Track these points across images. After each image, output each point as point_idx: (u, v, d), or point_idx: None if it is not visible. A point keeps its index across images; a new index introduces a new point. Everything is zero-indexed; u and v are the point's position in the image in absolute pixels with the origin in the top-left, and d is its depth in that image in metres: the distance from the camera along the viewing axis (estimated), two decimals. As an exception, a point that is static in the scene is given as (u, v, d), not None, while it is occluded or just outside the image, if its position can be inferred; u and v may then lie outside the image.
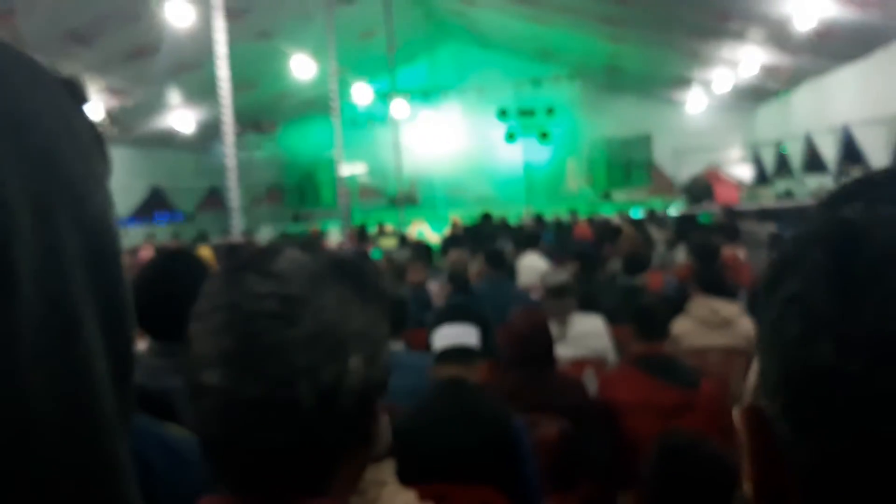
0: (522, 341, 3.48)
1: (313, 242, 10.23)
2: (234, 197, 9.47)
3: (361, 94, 20.63)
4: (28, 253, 0.36)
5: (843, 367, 0.41)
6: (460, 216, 16.45)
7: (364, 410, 0.83)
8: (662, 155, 19.72)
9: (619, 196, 20.15)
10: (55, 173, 0.39)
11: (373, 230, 14.59)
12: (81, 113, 0.44)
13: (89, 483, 0.39)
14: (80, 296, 0.38)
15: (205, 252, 9.24)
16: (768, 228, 8.66)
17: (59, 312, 0.37)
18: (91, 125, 0.44)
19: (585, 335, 4.39)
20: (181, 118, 16.52)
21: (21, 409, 0.35)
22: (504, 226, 12.62)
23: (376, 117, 20.76)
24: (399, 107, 15.71)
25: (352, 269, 0.87)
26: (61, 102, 0.43)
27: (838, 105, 13.95)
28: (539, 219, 13.89)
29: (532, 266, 7.33)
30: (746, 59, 14.45)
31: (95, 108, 13.80)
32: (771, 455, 0.48)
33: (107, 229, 0.42)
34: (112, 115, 13.85)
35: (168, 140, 17.16)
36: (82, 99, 0.45)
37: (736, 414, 0.51)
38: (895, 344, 0.40)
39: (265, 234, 14.75)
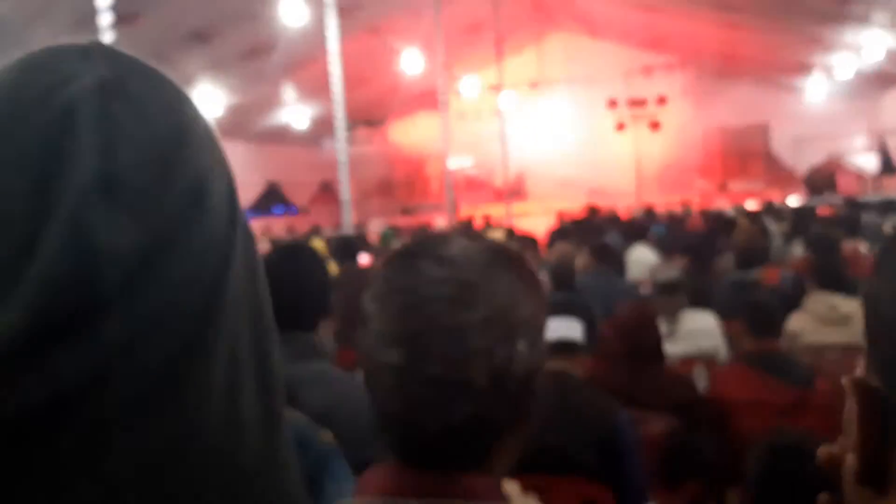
0: (629, 336, 3.45)
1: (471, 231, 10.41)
2: (346, 191, 9.74)
3: (469, 87, 20.80)
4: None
5: None
6: (568, 208, 16.36)
7: (527, 391, 0.88)
8: (781, 144, 19.03)
9: (735, 187, 19.55)
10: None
11: (480, 223, 14.71)
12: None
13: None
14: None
15: (318, 244, 9.59)
16: (893, 221, 8.27)
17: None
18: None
19: (696, 333, 4.33)
20: (295, 114, 17.10)
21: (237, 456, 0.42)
22: (613, 218, 12.47)
23: (483, 110, 20.90)
24: (507, 99, 15.73)
25: (515, 258, 0.92)
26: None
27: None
28: (650, 211, 13.65)
29: (640, 260, 7.25)
30: (870, 44, 13.89)
31: (215, 105, 14.48)
32: (875, 429, 0.48)
33: (250, 235, 0.48)
34: (230, 112, 14.47)
35: (283, 135, 17.79)
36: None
37: (846, 382, 0.51)
38: None
39: (375, 227, 15.10)
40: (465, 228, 11.40)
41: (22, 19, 9.47)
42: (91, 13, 6.78)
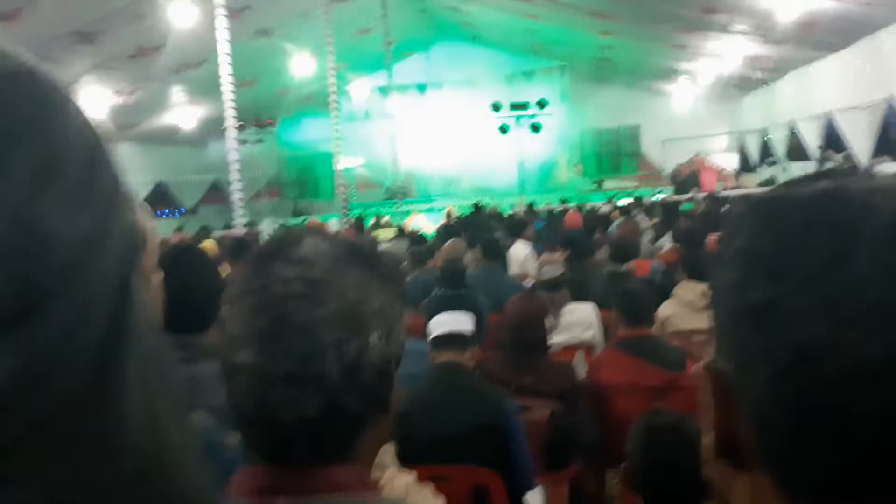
0: (518, 328, 3.58)
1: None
2: (236, 191, 9.71)
3: (359, 89, 20.93)
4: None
5: (777, 292, 0.45)
6: (455, 207, 16.78)
7: (383, 381, 0.89)
8: (650, 144, 19.98)
9: (610, 185, 20.46)
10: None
11: (370, 222, 14.96)
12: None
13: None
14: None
15: (208, 245, 9.58)
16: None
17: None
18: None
19: (576, 324, 4.52)
20: (184, 114, 16.81)
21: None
22: (496, 215, 12.91)
23: (373, 112, 21.12)
24: (395, 101, 16.03)
25: (367, 253, 0.94)
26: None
27: (821, 94, 14.22)
28: (531, 208, 14.17)
29: (516, 254, 7.52)
30: (731, 51, 14.63)
31: (100, 106, 14.11)
32: (727, 408, 0.50)
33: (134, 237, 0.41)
34: (116, 112, 14.13)
35: (171, 136, 17.43)
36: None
37: (696, 371, 0.53)
38: (818, 279, 0.44)
39: (266, 227, 15.06)
40: (311, 230, 11.56)
41: None
42: None
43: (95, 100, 13.75)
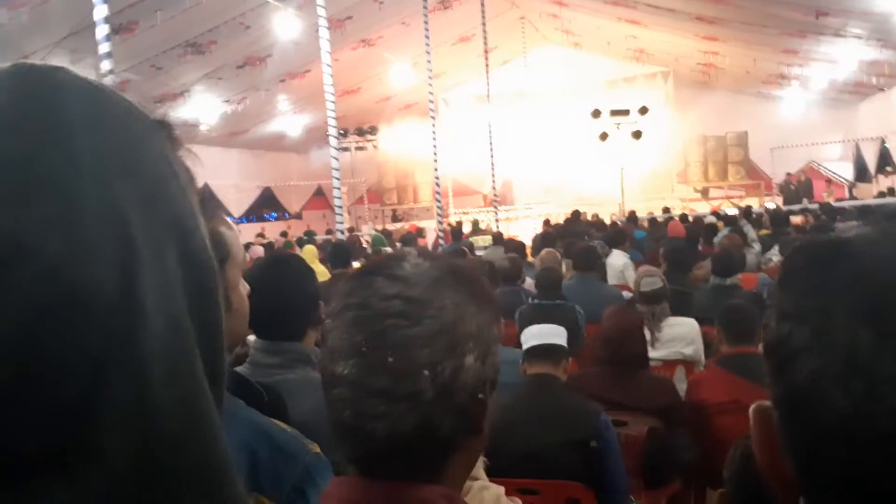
0: (615, 342, 3.54)
1: (411, 243, 10.70)
2: (338, 196, 9.94)
3: (457, 97, 21.09)
4: (152, 285, 0.38)
5: (780, 333, 0.51)
6: (554, 215, 16.67)
7: (476, 404, 0.90)
8: (759, 152, 19.37)
9: (716, 194, 19.91)
10: (166, 212, 0.42)
11: (468, 228, 15.02)
12: (177, 152, 0.46)
13: (212, 484, 0.41)
14: (189, 322, 0.40)
15: (310, 249, 9.84)
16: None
17: (178, 337, 0.39)
18: (185, 164, 0.46)
19: (677, 339, 4.42)
20: (289, 122, 17.33)
21: (154, 428, 0.37)
22: (596, 223, 12.75)
23: (471, 119, 21.25)
24: (493, 108, 16.06)
25: (467, 276, 0.95)
26: (162, 144, 0.45)
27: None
28: (632, 216, 13.94)
29: (614, 264, 7.41)
30: (845, 55, 14.16)
31: (211, 114, 14.73)
32: (773, 446, 0.53)
33: (206, 262, 0.44)
34: (226, 120, 14.72)
35: (277, 143, 18.01)
36: (176, 139, 0.46)
37: (750, 412, 0.56)
38: (804, 311, 0.49)
39: (367, 232, 15.36)
40: (407, 236, 11.62)
41: (19, 30, 9.63)
42: (88, 23, 6.81)
43: (206, 108, 14.36)
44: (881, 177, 17.70)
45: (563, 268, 6.61)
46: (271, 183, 18.82)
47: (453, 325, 0.88)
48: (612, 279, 6.93)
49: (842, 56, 14.29)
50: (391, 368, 0.85)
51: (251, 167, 17.73)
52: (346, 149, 17.68)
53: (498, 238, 11.02)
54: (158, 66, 12.17)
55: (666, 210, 15.95)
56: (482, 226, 15.53)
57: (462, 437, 0.90)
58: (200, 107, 14.34)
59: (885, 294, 0.47)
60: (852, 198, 16.78)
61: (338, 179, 9.72)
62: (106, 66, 6.35)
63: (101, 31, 6.30)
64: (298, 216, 19.64)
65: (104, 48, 6.31)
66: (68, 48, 10.31)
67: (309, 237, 13.24)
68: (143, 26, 10.62)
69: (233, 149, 17.08)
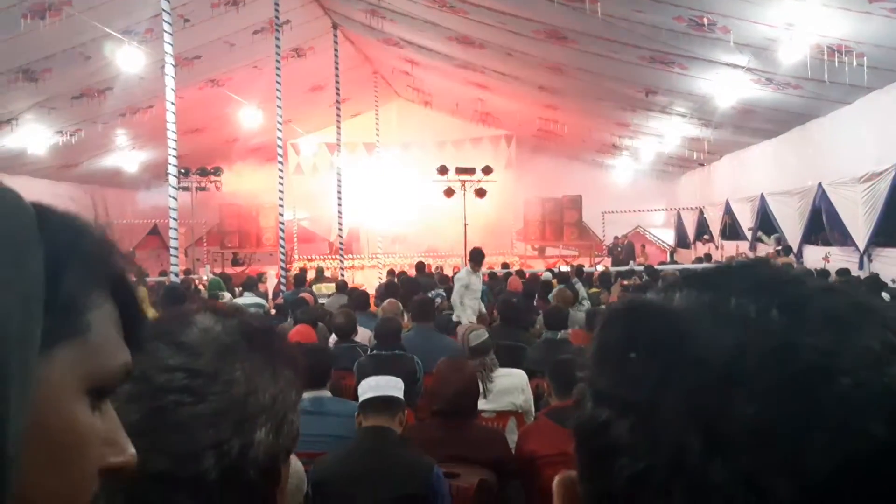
0: (447, 393, 3.55)
1: (251, 288, 10.43)
2: (174, 237, 9.59)
3: (307, 144, 20.98)
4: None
5: (596, 418, 0.46)
6: (399, 265, 16.81)
7: (268, 478, 0.83)
8: (592, 215, 20.47)
9: (551, 252, 20.80)
10: None
11: (311, 276, 14.84)
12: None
13: None
14: None
15: (140, 291, 9.40)
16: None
17: None
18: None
19: (507, 390, 4.49)
20: (126, 158, 16.61)
21: None
22: (439, 276, 12.95)
23: (320, 167, 21.22)
24: (342, 158, 16.13)
25: (263, 338, 0.87)
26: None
27: (755, 176, 14.88)
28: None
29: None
30: (671, 131, 15.23)
31: (42, 143, 13.87)
32: None
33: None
34: (57, 152, 13.90)
35: (112, 178, 17.18)
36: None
37: (556, 483, 0.54)
38: (625, 400, 0.45)
39: (204, 275, 14.83)
40: (298, 277, 11.46)
41: None
42: None
43: (36, 138, 13.52)
44: (699, 244, 19.17)
45: (405, 318, 6.65)
46: (103, 219, 17.81)
47: (243, 399, 0.81)
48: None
49: (668, 131, 15.38)
50: (170, 451, 0.77)
51: (82, 202, 16.75)
52: (186, 188, 17.09)
53: (342, 286, 10.95)
54: (-15, 90, 11.39)
55: (505, 265, 16.45)
56: (327, 273, 15.40)
57: None
58: (29, 136, 13.49)
59: (716, 390, 0.42)
60: (673, 261, 18.04)
61: (175, 220, 9.39)
62: (-78, 85, 5.92)
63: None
64: (132, 255, 18.70)
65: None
66: None
67: (140, 278, 12.60)
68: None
69: (62, 182, 16.13)
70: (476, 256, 9.08)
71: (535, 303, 9.11)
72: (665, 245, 20.92)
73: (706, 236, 18.60)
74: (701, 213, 18.90)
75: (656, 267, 14.01)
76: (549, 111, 16.93)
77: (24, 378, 0.43)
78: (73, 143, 14.32)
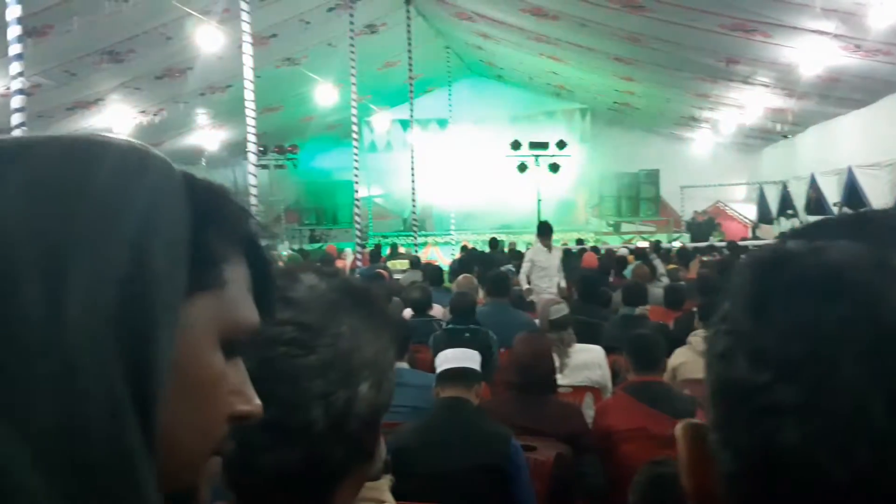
0: (524, 367, 3.58)
1: (329, 265, 10.57)
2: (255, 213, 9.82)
3: (380, 121, 21.12)
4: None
5: (753, 379, 0.44)
6: (472, 241, 16.84)
7: (369, 432, 0.87)
8: (669, 190, 20.06)
9: (627, 228, 20.50)
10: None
11: (386, 252, 15.00)
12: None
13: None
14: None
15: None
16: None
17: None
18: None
19: (584, 365, 4.49)
20: (207, 136, 17.02)
21: None
22: (512, 252, 12.94)
23: (393, 144, 21.34)
24: (415, 135, 16.17)
25: (365, 298, 0.91)
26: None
27: (843, 149, 14.30)
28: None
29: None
30: (753, 102, 14.74)
31: (127, 123, 14.31)
32: (704, 465, 0.49)
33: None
34: (141, 131, 14.32)
35: (194, 157, 17.63)
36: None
37: (677, 429, 0.53)
38: (794, 361, 0.42)
39: (282, 252, 15.14)
40: (325, 258, 11.56)
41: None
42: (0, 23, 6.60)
43: (121, 118, 13.95)
44: (783, 219, 18.57)
45: (480, 294, 6.67)
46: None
47: (349, 353, 0.85)
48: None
49: (749, 102, 14.91)
50: (280, 400, 0.80)
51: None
52: (264, 166, 17.45)
53: (415, 262, 11.04)
54: (73, 73, 11.76)
55: (580, 242, 16.29)
56: (401, 250, 15.53)
57: (353, 465, 0.87)
58: (115, 116, 13.94)
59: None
60: (755, 238, 17.53)
61: (255, 196, 9.61)
62: (16, 68, 6.15)
63: (13, 31, 6.14)
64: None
65: (15, 49, 6.13)
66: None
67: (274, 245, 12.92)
68: (58, 30, 10.26)
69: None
70: (542, 230, 8.88)
71: (610, 279, 9.00)
72: (746, 220, 20.32)
73: (790, 211, 17.96)
74: (784, 187, 18.25)
75: (739, 243, 13.64)
76: (625, 83, 16.60)
77: (170, 320, 0.48)
78: (156, 122, 14.74)
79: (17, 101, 6.14)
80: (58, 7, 9.75)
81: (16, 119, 6.08)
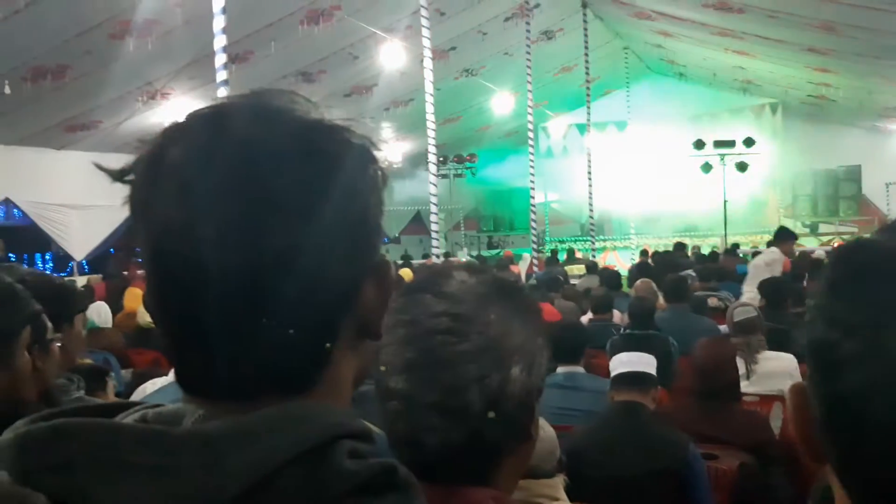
0: (705, 373, 3.49)
1: (504, 270, 10.74)
2: (435, 222, 10.13)
3: (557, 126, 21.07)
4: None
5: (827, 338, 0.55)
6: (653, 246, 16.41)
7: (524, 412, 0.95)
8: (873, 187, 18.52)
9: (825, 229, 19.15)
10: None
11: (563, 257, 14.96)
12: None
13: None
14: None
15: (406, 272, 10.04)
16: None
17: None
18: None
19: (773, 374, 4.27)
20: (391, 149, 17.75)
21: None
22: (695, 256, 12.48)
23: (570, 148, 21.23)
24: (593, 139, 16.00)
25: (511, 290, 0.99)
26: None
27: None
28: (732, 249, 13.58)
29: None
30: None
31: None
32: (804, 414, 0.60)
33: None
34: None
35: (381, 169, 18.42)
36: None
37: (789, 389, 0.64)
38: (857, 324, 0.53)
39: (462, 258, 15.49)
40: (500, 262, 11.58)
41: (145, 57, 10.22)
42: (207, 52, 7.20)
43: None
44: None
45: (660, 299, 6.51)
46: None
47: (499, 339, 0.92)
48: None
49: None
50: (441, 384, 0.90)
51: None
52: (444, 175, 17.93)
53: (592, 267, 10.94)
54: (271, 94, 12.70)
55: (768, 244, 15.41)
56: (578, 255, 15.43)
57: (510, 444, 0.94)
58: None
59: None
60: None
61: (435, 205, 9.91)
62: (222, 93, 6.70)
63: (220, 59, 6.69)
64: (397, 240, 19.96)
65: (221, 76, 6.68)
66: (187, 76, 10.89)
67: (406, 261, 13.46)
68: (258, 56, 11.13)
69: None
70: (781, 234, 8.45)
71: (804, 284, 8.44)
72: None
73: None
74: None
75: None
76: (820, 74, 15.54)
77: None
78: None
79: (223, 124, 6.66)
80: (258, 34, 10.58)
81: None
